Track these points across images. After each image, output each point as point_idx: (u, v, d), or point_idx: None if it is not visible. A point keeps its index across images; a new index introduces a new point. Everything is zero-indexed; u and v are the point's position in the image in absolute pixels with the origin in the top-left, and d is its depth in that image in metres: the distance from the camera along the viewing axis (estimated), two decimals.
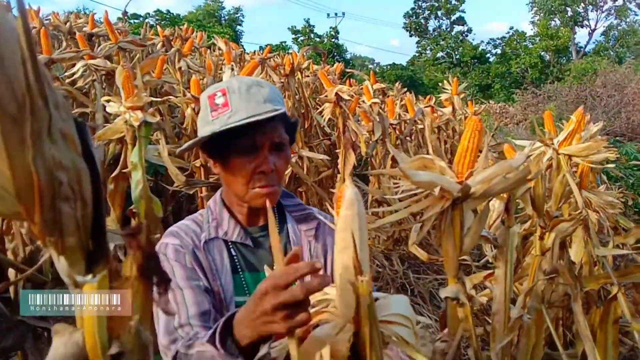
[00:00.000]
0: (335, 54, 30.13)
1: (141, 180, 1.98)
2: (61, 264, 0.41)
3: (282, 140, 1.19)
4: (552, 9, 40.05)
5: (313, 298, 0.78)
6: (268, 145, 1.16)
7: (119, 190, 2.19)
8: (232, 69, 2.66)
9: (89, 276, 0.42)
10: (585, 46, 41.10)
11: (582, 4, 40.30)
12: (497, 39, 41.52)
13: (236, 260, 1.22)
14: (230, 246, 1.24)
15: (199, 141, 1.21)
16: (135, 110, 2.03)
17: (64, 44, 3.76)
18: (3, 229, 1.93)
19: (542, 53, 36.87)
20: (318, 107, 5.40)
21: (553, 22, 40.31)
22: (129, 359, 0.41)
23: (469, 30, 41.66)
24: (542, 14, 40.77)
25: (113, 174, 2.16)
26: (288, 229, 1.30)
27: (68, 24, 4.54)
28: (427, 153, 1.26)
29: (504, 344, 1.52)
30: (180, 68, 3.83)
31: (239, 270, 1.21)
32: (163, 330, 1.05)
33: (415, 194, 1.23)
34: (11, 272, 1.83)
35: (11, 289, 1.82)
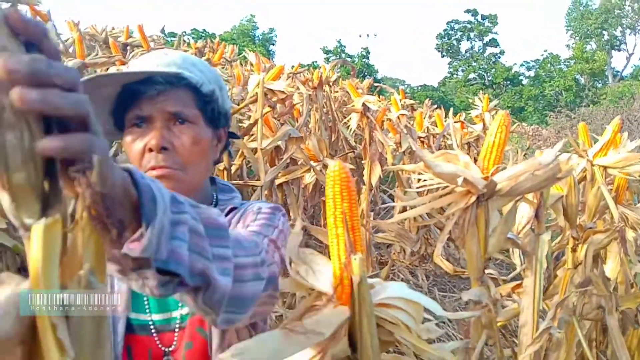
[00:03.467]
0: (365, 73, 30.25)
1: None
2: (5, 201, 0.37)
3: (179, 111, 0.91)
4: (589, 32, 39.42)
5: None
6: (160, 117, 0.90)
7: None
8: (258, 74, 2.66)
9: (42, 220, 0.38)
10: (623, 70, 40.17)
11: (619, 28, 39.54)
12: (531, 61, 41.02)
13: None
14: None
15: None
16: None
17: (99, 52, 3.85)
18: None
19: (577, 76, 36.23)
20: (345, 120, 5.39)
21: (589, 46, 39.63)
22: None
23: (502, 52, 41.30)
24: (577, 37, 40.17)
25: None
26: None
27: (104, 33, 4.67)
28: None
29: (531, 355, 1.42)
30: None
31: None
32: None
33: (438, 191, 1.17)
34: None
35: None
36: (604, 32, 39.38)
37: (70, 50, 4.31)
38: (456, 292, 4.02)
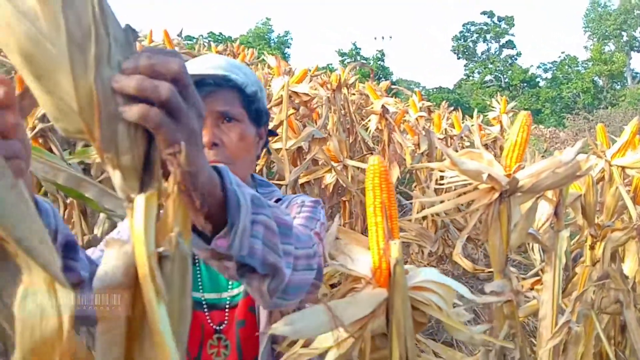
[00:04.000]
0: (380, 76, 30.27)
1: None
2: (116, 178, 0.45)
3: (227, 110, 0.99)
4: (607, 33, 38.96)
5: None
6: (210, 116, 0.97)
7: None
8: (282, 78, 2.74)
9: (142, 194, 0.46)
10: None
11: (639, 29, 38.99)
12: (548, 63, 40.64)
13: None
14: None
15: None
16: None
17: None
18: (64, 217, 2.06)
19: (595, 78, 35.81)
20: (363, 122, 5.46)
21: (607, 47, 39.15)
22: (171, 265, 0.45)
23: (519, 54, 41.01)
24: (595, 39, 39.71)
25: None
26: None
27: None
28: None
29: (551, 349, 1.48)
30: None
31: (196, 261, 1.05)
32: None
33: (462, 189, 1.24)
34: None
35: None
36: (623, 33, 38.86)
37: None
38: (474, 292, 4.06)
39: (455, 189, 1.34)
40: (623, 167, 2.17)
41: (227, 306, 0.98)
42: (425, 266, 4.05)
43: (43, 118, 1.88)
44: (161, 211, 0.49)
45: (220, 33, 26.55)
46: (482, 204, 1.19)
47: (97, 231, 2.03)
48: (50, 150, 1.88)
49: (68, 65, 0.42)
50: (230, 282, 1.00)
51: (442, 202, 1.39)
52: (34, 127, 1.86)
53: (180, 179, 0.49)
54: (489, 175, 1.11)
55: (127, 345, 0.46)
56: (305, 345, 0.84)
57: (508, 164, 1.22)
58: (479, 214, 1.22)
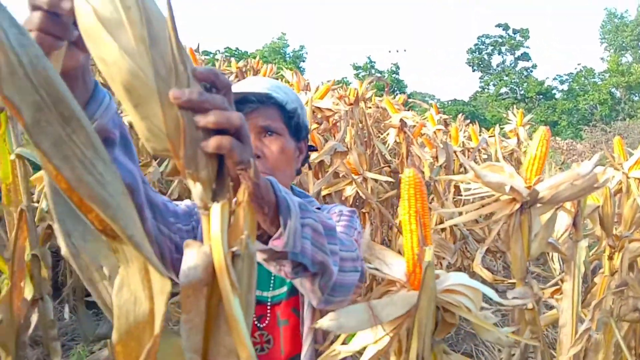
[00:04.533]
0: (395, 88, 30.39)
1: None
2: (197, 190, 0.54)
3: (268, 124, 1.07)
4: (624, 44, 38.68)
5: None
6: (253, 130, 1.05)
7: None
8: (305, 93, 2.84)
9: (214, 203, 0.55)
10: None
11: None
12: (564, 74, 40.42)
13: None
14: None
15: None
16: None
17: None
18: None
19: (613, 90, 35.50)
20: (380, 135, 5.54)
21: (624, 58, 38.85)
22: (242, 263, 0.54)
23: (534, 66, 40.86)
24: (612, 50, 39.43)
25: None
26: None
27: None
28: None
29: (571, 357, 1.53)
30: None
31: None
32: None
33: (483, 201, 1.31)
34: None
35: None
36: None
37: None
38: (493, 304, 4.08)
39: (473, 201, 1.41)
40: None
41: (268, 304, 1.07)
42: None
43: None
44: (231, 217, 0.58)
45: (237, 48, 26.95)
46: (504, 214, 1.26)
47: None
48: None
49: (158, 97, 0.51)
50: (272, 282, 1.08)
51: (460, 213, 1.46)
52: None
53: (250, 189, 0.58)
54: (511, 187, 1.18)
55: (206, 332, 0.54)
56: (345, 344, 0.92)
57: (528, 176, 1.29)
58: (500, 224, 1.28)
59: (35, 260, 1.83)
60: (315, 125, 2.75)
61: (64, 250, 0.53)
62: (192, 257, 0.55)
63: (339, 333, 0.88)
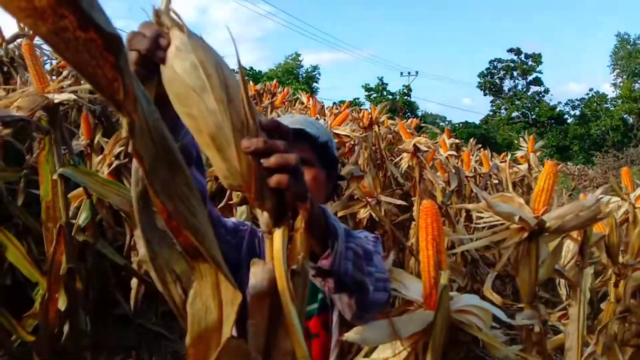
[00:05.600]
0: (407, 111, 30.60)
1: (245, 210, 2.27)
2: (264, 218, 0.66)
3: (302, 156, 1.14)
4: (637, 71, 38.70)
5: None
6: None
7: None
8: (323, 119, 2.96)
9: (276, 228, 0.67)
10: None
11: None
12: (576, 100, 40.45)
13: None
14: None
15: None
16: None
17: None
18: (131, 244, 2.29)
19: (625, 116, 35.42)
20: (392, 158, 5.65)
21: (637, 84, 38.82)
22: (298, 278, 0.66)
23: (546, 91, 40.97)
24: (624, 76, 39.44)
25: (219, 206, 2.48)
26: None
27: None
28: None
29: None
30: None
31: None
32: None
33: (495, 227, 1.41)
34: (134, 282, 2.16)
35: (132, 295, 2.14)
36: None
37: None
38: (502, 327, 4.12)
39: (484, 228, 1.51)
40: None
41: None
42: None
43: (118, 155, 2.14)
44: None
45: (251, 68, 27.39)
46: (514, 242, 1.36)
47: None
48: (123, 183, 2.13)
49: (234, 145, 0.63)
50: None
51: (471, 239, 1.56)
52: (110, 164, 2.11)
53: (307, 218, 0.70)
54: (520, 217, 1.28)
55: (267, 335, 0.65)
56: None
57: (536, 207, 1.39)
58: (510, 250, 1.38)
59: (71, 273, 1.95)
60: None
61: (142, 254, 0.65)
62: (258, 272, 0.67)
63: (363, 345, 0.99)
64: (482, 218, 1.43)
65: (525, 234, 1.36)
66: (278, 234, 0.66)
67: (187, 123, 0.62)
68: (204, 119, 0.61)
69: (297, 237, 0.68)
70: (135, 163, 0.52)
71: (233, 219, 1.23)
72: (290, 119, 1.24)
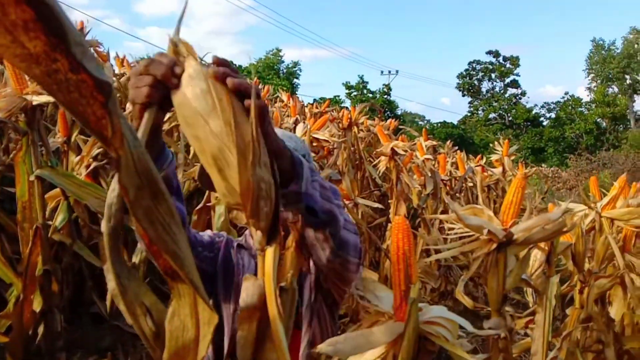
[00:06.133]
0: (386, 110, 30.78)
1: (223, 213, 2.29)
2: (257, 236, 0.69)
3: None
4: (610, 76, 39.63)
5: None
6: None
7: (200, 220, 2.52)
8: (303, 123, 3.00)
9: (268, 247, 0.70)
10: None
11: None
12: (552, 103, 41.24)
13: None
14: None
15: None
16: None
17: None
18: None
19: (598, 120, 36.28)
20: (371, 159, 5.72)
21: (610, 89, 39.78)
22: (286, 295, 0.69)
23: (523, 93, 41.64)
24: (599, 81, 40.36)
25: (197, 207, 2.49)
26: None
27: None
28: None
29: None
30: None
31: None
32: None
33: (465, 238, 1.47)
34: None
35: (108, 296, 2.14)
36: (626, 76, 39.54)
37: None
38: (468, 336, 4.22)
39: (457, 238, 1.56)
40: (612, 219, 2.39)
41: None
42: (428, 302, 4.24)
43: (96, 157, 2.14)
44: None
45: (231, 62, 27.11)
46: (483, 252, 1.41)
47: (135, 259, 2.25)
48: (100, 184, 2.12)
49: (236, 165, 0.66)
50: None
51: (445, 241, 1.61)
52: (88, 165, 2.11)
53: (297, 236, 0.74)
54: (489, 230, 1.34)
55: (255, 347, 0.69)
56: None
57: (505, 219, 1.45)
58: (479, 260, 1.44)
59: (47, 275, 1.95)
60: (312, 155, 2.91)
61: (112, 288, 0.67)
62: (250, 287, 0.71)
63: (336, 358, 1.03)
64: (453, 229, 1.49)
65: (494, 245, 1.41)
66: (270, 252, 0.70)
67: (193, 144, 0.68)
68: (207, 141, 0.66)
69: (288, 256, 0.72)
70: (109, 198, 0.55)
71: (209, 232, 1.28)
72: None
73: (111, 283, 0.59)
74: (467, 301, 2.34)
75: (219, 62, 0.75)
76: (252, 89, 0.71)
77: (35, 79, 0.44)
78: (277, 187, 0.72)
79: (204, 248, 1.21)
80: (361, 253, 1.16)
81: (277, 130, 1.35)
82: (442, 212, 4.10)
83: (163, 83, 0.71)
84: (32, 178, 1.85)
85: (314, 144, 2.92)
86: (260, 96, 0.76)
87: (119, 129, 0.47)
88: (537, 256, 1.96)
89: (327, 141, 2.89)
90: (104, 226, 0.57)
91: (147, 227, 0.55)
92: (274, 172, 0.72)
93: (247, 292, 0.69)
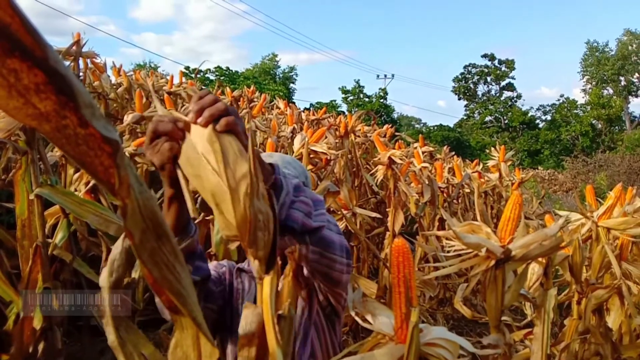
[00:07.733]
0: (383, 113, 30.84)
1: None
2: (255, 265, 0.71)
3: None
4: (605, 78, 39.82)
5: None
6: None
7: (199, 234, 2.52)
8: (300, 134, 3.02)
9: (267, 275, 0.71)
10: None
11: (636, 74, 39.90)
12: (547, 105, 41.43)
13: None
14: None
15: None
16: None
17: (152, 104, 4.27)
18: (106, 259, 2.27)
19: (594, 121, 36.44)
20: (368, 166, 5.74)
21: (605, 91, 39.96)
22: (284, 322, 0.70)
23: (519, 96, 41.82)
24: (594, 83, 40.54)
25: (197, 220, 2.49)
26: None
27: (151, 83, 5.12)
28: (474, 217, 1.52)
29: None
30: (249, 128, 4.26)
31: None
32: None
33: (462, 255, 1.48)
34: None
35: None
36: (621, 78, 39.75)
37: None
38: (473, 335, 4.23)
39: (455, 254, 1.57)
40: (608, 229, 2.41)
41: None
42: (427, 309, 4.25)
43: None
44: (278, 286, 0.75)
45: (228, 67, 27.18)
46: (481, 269, 1.43)
47: (135, 275, 2.25)
48: (100, 202, 2.13)
49: (229, 198, 0.68)
50: None
51: (443, 249, 1.63)
52: (87, 182, 2.11)
53: (295, 266, 0.75)
54: (487, 248, 1.35)
55: None
56: None
57: (502, 235, 1.46)
58: (478, 277, 1.45)
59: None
60: (310, 167, 2.92)
61: (111, 341, 0.68)
62: (249, 315, 0.72)
63: None
64: (451, 244, 1.50)
65: (492, 262, 1.43)
66: (268, 281, 0.71)
67: (193, 182, 0.72)
68: (207, 179, 0.70)
69: (285, 285, 0.73)
70: (112, 255, 0.57)
71: (212, 266, 1.32)
72: (270, 159, 1.30)
73: (111, 336, 0.61)
74: (465, 311, 2.35)
75: (198, 112, 0.78)
76: (238, 126, 0.77)
77: (45, 134, 0.45)
78: (276, 218, 0.74)
79: (214, 284, 1.28)
80: (349, 253, 1.20)
81: (277, 155, 1.37)
82: (440, 220, 4.12)
83: (173, 137, 0.79)
84: (31, 197, 1.86)
85: (312, 156, 2.93)
86: (237, 115, 0.80)
87: (126, 180, 0.49)
88: (534, 269, 1.97)
89: (324, 153, 2.91)
90: (104, 280, 0.59)
91: (151, 268, 0.56)
92: (272, 203, 0.73)
93: (247, 319, 0.71)
